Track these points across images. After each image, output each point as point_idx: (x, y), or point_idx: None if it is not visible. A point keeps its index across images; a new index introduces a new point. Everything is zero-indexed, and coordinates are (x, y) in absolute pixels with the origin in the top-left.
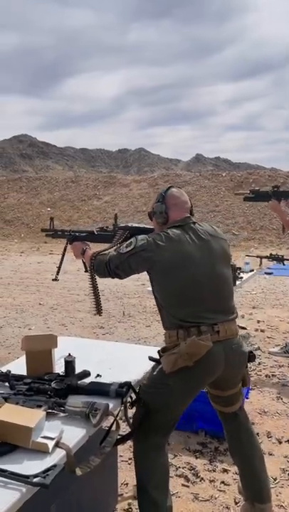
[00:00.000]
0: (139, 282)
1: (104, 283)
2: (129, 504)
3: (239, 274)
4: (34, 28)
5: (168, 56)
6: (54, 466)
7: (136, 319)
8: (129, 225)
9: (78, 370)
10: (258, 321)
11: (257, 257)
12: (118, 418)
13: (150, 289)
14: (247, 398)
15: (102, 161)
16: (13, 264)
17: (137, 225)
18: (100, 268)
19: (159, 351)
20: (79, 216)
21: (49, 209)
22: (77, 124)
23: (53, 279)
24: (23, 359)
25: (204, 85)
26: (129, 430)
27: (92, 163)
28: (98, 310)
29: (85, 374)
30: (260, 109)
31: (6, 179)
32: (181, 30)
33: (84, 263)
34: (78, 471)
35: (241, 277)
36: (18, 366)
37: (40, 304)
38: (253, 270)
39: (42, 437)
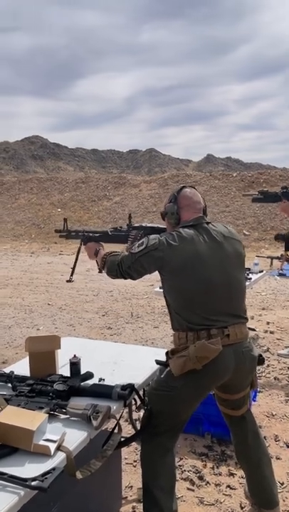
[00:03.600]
0: (148, 283)
1: (113, 283)
2: (133, 507)
3: (248, 275)
4: (47, 30)
5: (180, 56)
6: (53, 469)
7: (144, 320)
8: (144, 224)
9: (82, 371)
10: (268, 323)
11: (268, 257)
12: (122, 420)
13: (158, 289)
14: (255, 401)
15: (113, 161)
16: (23, 265)
17: (151, 224)
18: (112, 269)
19: (167, 353)
20: (89, 217)
21: (59, 210)
22: (88, 124)
23: (67, 280)
24: (26, 360)
25: (216, 85)
26: (133, 432)
27: (102, 164)
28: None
29: (89, 376)
30: (272, 108)
31: (17, 180)
32: (193, 30)
33: (98, 264)
34: (78, 475)
35: (250, 278)
36: (22, 367)
37: (48, 304)
38: (262, 271)
39: (44, 440)
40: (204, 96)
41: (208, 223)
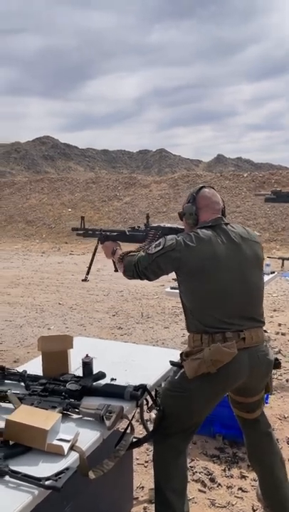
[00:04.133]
0: (158, 283)
1: (123, 283)
2: (144, 508)
3: None
4: (57, 31)
5: (190, 56)
6: (67, 468)
7: (154, 320)
8: (162, 225)
9: (94, 371)
10: (279, 324)
11: (279, 258)
12: (133, 421)
13: (168, 290)
14: (266, 403)
15: (123, 162)
16: (34, 264)
17: (169, 225)
18: (128, 269)
19: (181, 354)
20: (99, 217)
21: (70, 210)
22: (98, 125)
23: (82, 280)
24: (39, 359)
25: (226, 85)
26: (145, 433)
27: (113, 164)
28: None
29: (101, 375)
30: (281, 108)
31: (28, 180)
32: (203, 30)
33: (114, 263)
34: (91, 475)
35: None
36: (35, 366)
37: (59, 303)
38: (273, 272)
39: (57, 440)
40: (214, 96)
41: (226, 224)
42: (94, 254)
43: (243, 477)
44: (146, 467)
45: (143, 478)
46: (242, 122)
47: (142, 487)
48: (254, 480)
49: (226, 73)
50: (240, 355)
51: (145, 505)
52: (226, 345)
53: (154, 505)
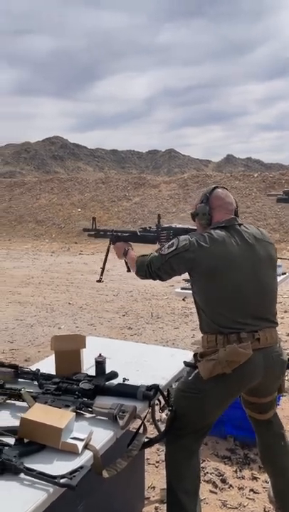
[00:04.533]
0: (168, 284)
1: (133, 284)
2: (156, 508)
3: None
4: (68, 32)
5: (200, 56)
6: (81, 467)
7: (164, 321)
8: (173, 225)
9: (106, 370)
10: None
11: None
12: (145, 421)
13: (178, 290)
14: (278, 405)
15: (133, 162)
16: (44, 264)
17: (180, 225)
18: (141, 269)
19: (195, 355)
20: (109, 217)
21: (80, 210)
22: (108, 125)
23: (97, 281)
24: (51, 358)
25: (236, 85)
26: (157, 433)
27: (122, 165)
28: None
29: (113, 375)
30: None
31: (38, 180)
32: (213, 30)
33: (126, 264)
34: (105, 474)
35: None
36: (47, 365)
37: (69, 303)
38: (285, 273)
39: (71, 438)
40: (224, 96)
41: (240, 225)
42: (107, 255)
43: (255, 478)
44: (157, 467)
45: (154, 478)
46: (252, 122)
47: (153, 487)
48: (266, 481)
49: (236, 73)
50: (255, 355)
51: (156, 505)
52: (242, 345)
53: (165, 505)
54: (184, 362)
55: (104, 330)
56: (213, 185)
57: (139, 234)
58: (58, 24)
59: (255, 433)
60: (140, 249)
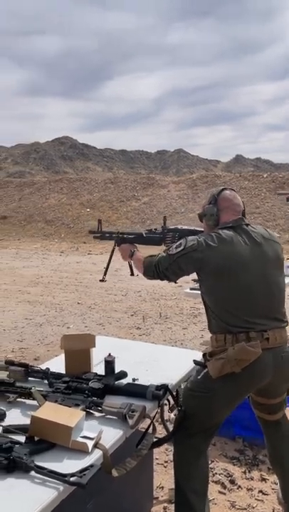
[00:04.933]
0: (176, 284)
1: (141, 284)
2: (164, 508)
3: None
4: (77, 32)
5: (209, 56)
6: (91, 466)
7: (172, 321)
8: (179, 227)
9: (116, 370)
10: None
11: None
12: (154, 420)
13: (187, 291)
14: (287, 406)
15: (141, 162)
16: (53, 264)
17: (186, 227)
18: (149, 270)
19: (205, 355)
20: (117, 217)
21: (88, 210)
22: (117, 125)
23: (100, 280)
24: (61, 357)
25: (245, 85)
26: (166, 433)
27: (131, 165)
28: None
29: (122, 375)
30: None
31: (47, 180)
32: (222, 30)
33: (130, 266)
34: (114, 473)
35: None
36: (57, 364)
37: (78, 303)
38: None
39: (81, 437)
40: (233, 96)
41: (247, 225)
42: (111, 256)
43: (264, 480)
44: (165, 467)
45: (163, 478)
46: (261, 122)
47: (162, 487)
48: (275, 483)
49: (245, 73)
50: (265, 355)
51: (165, 505)
52: (251, 344)
53: (173, 505)
54: (194, 360)
55: (113, 330)
56: (222, 187)
57: (144, 236)
58: (67, 25)
59: (264, 434)
60: (146, 252)
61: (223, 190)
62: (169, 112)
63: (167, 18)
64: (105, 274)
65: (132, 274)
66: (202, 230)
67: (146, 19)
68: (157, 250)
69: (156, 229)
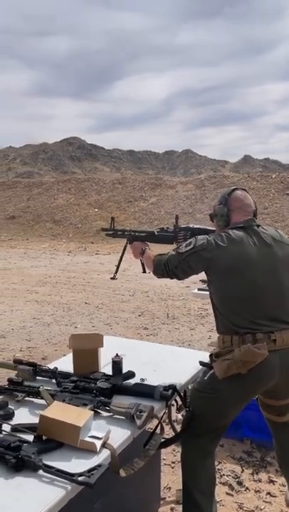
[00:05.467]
0: (184, 284)
1: (149, 284)
2: (171, 509)
3: None
4: (86, 33)
5: (218, 56)
6: (99, 465)
7: (180, 322)
8: (191, 226)
9: (124, 370)
10: None
11: None
12: (162, 421)
13: (195, 291)
14: None
15: (149, 162)
16: (61, 264)
17: (198, 226)
18: (158, 268)
19: (211, 356)
20: (125, 217)
21: (96, 210)
22: (125, 126)
23: (111, 278)
24: (69, 357)
25: (254, 85)
26: (173, 434)
27: (138, 165)
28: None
29: (130, 375)
30: None
31: (55, 181)
32: (232, 30)
33: (142, 264)
34: (122, 473)
35: None
36: (64, 364)
37: (86, 302)
38: None
39: (89, 437)
40: (242, 96)
41: (258, 226)
42: (123, 254)
43: (272, 482)
44: (173, 468)
45: (170, 478)
46: (270, 122)
47: (169, 488)
48: (283, 485)
49: (254, 73)
50: (271, 356)
51: (172, 505)
52: (257, 346)
53: (181, 505)
54: (200, 362)
55: (121, 330)
56: (233, 187)
57: (156, 234)
58: (75, 25)
59: (273, 436)
60: (158, 250)
61: (234, 190)
62: (178, 112)
63: (176, 18)
64: (116, 272)
65: (144, 271)
66: (214, 229)
67: (156, 19)
68: (169, 249)
69: (168, 227)
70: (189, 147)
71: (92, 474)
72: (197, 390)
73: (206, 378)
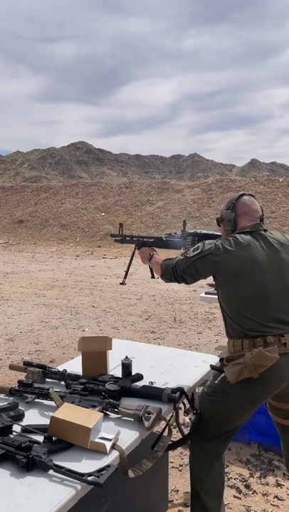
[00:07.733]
0: (191, 288)
1: (156, 288)
2: (179, 511)
3: None
4: (92, 38)
5: (224, 60)
6: (108, 466)
7: (187, 325)
8: (198, 231)
9: (132, 372)
10: None
11: None
12: (170, 424)
13: (203, 295)
14: None
15: (156, 167)
16: (69, 267)
17: (205, 231)
18: (166, 272)
19: (222, 360)
20: (132, 221)
21: (103, 214)
22: (132, 130)
23: (120, 283)
24: (77, 359)
25: (260, 89)
26: (180, 436)
27: (145, 169)
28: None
29: (138, 377)
30: None
31: (63, 185)
32: (237, 34)
33: (150, 269)
34: (131, 473)
35: None
36: (73, 366)
37: (93, 306)
38: None
39: (99, 438)
40: (248, 100)
41: (265, 230)
42: (131, 259)
43: (279, 485)
44: (180, 471)
45: (177, 481)
46: (277, 126)
47: (177, 490)
48: None
49: (260, 77)
50: (282, 360)
51: (180, 508)
52: (268, 349)
53: (188, 508)
54: (211, 365)
55: (128, 333)
56: (241, 192)
57: (164, 239)
58: (82, 31)
59: (281, 439)
60: (166, 255)
61: (241, 195)
62: (184, 116)
63: (183, 23)
64: (125, 277)
65: (153, 276)
66: (221, 234)
67: (162, 25)
68: (177, 254)
69: (175, 233)
70: (196, 151)
71: (102, 474)
72: (207, 394)
73: (216, 382)
